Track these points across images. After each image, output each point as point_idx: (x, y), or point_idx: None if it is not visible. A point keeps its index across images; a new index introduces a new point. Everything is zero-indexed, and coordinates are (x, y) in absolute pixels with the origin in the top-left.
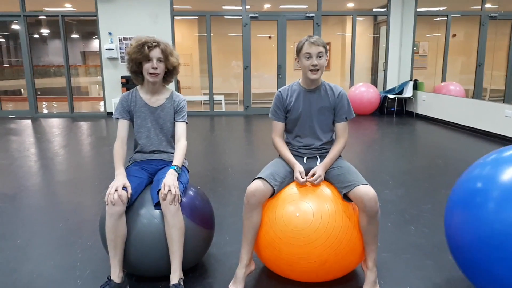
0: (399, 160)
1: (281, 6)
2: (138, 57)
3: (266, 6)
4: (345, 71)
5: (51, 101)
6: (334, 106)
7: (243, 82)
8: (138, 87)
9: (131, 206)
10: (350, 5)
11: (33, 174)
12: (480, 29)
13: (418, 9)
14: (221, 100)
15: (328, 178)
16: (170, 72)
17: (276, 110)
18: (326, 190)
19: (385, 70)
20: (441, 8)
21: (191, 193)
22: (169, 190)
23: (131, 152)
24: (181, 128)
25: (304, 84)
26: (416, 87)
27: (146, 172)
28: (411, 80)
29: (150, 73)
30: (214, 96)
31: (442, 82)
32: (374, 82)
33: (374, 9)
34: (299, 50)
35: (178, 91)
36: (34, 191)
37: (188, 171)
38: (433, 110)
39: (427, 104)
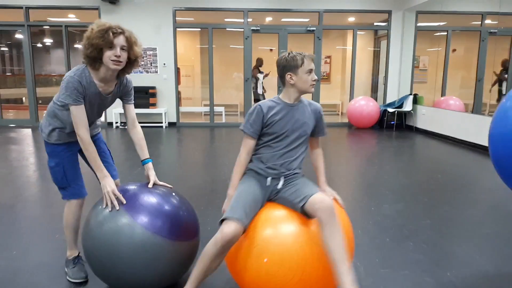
0: (398, 174)
1: (282, 20)
2: (100, 42)
3: (268, 19)
4: (345, 84)
5: None
6: (316, 123)
7: (244, 94)
8: (90, 71)
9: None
10: (351, 19)
11: (32, 184)
12: (480, 44)
13: (419, 24)
14: (222, 112)
15: (284, 197)
16: (131, 63)
17: (253, 125)
18: (288, 223)
19: (385, 83)
20: (441, 24)
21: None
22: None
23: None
24: (133, 112)
25: (287, 99)
26: (416, 101)
27: (76, 152)
28: (411, 94)
29: (113, 61)
30: (214, 107)
31: (442, 96)
32: (374, 95)
33: (375, 24)
34: (297, 66)
35: (179, 102)
36: (32, 201)
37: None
38: (433, 124)
39: (426, 118)
